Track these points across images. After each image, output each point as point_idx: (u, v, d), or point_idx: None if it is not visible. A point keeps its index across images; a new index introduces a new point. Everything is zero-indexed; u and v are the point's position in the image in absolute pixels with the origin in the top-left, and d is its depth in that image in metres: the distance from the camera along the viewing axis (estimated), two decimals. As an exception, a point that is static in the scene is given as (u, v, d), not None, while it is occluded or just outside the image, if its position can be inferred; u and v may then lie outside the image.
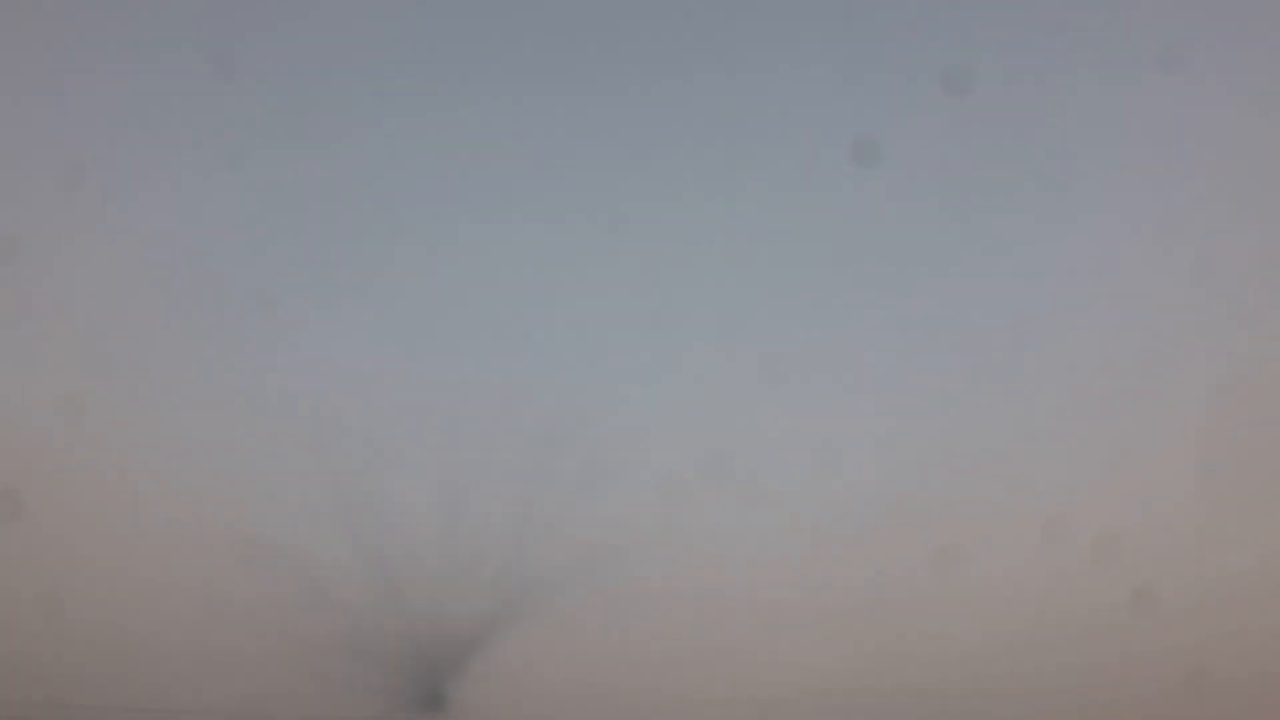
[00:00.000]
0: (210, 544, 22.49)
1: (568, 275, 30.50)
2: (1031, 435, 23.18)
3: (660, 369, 27.82)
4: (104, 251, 27.42)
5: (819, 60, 30.33)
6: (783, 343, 26.32)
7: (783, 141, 29.12)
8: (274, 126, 31.91)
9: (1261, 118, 24.14)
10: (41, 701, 20.48)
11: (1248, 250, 23.41)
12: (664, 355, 28.14)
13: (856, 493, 22.05)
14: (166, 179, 30.41)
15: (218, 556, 22.04)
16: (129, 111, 29.61)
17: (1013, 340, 24.27)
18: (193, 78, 30.60)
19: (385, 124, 32.60)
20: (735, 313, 29.05)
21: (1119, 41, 25.66)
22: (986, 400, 23.99)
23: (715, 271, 29.62)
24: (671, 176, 32.24)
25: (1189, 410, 21.55)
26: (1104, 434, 22.74)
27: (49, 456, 22.53)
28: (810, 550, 21.59)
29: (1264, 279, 23.34)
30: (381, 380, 27.59)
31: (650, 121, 31.76)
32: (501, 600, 20.58)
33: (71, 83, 29.14)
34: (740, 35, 32.22)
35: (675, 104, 32.26)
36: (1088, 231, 24.88)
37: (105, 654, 20.79)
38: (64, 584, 20.47)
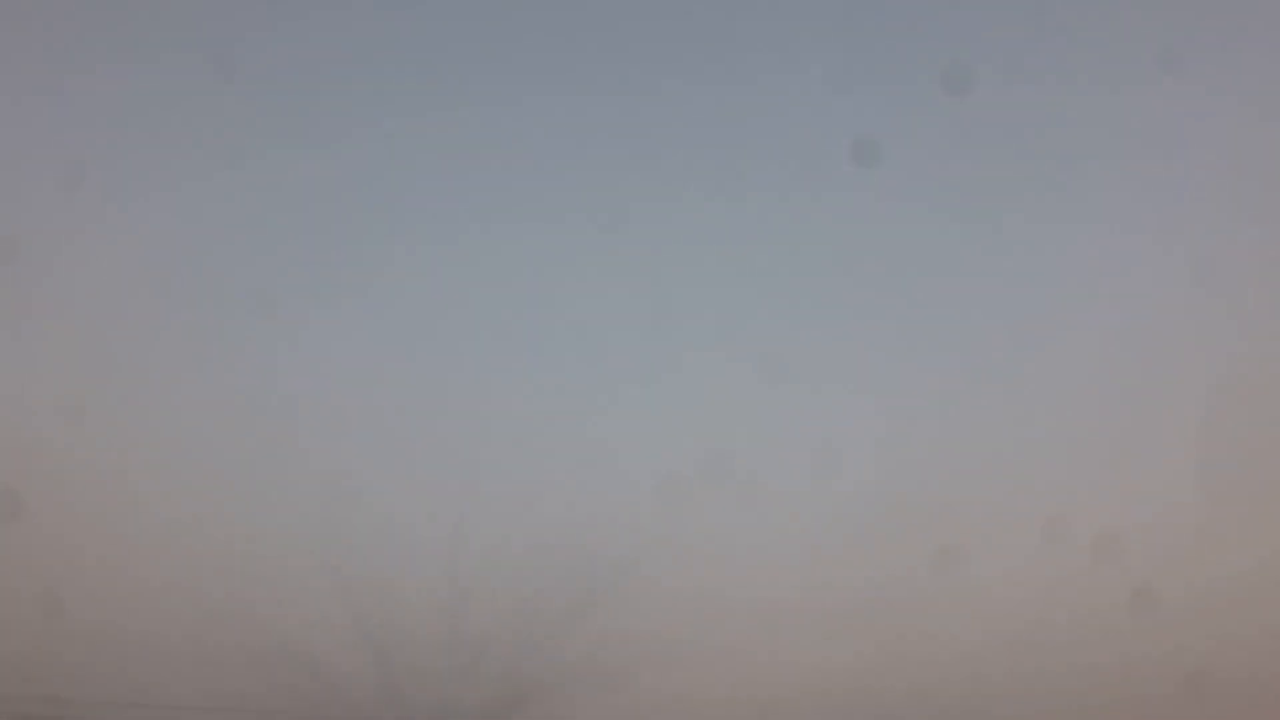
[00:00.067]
0: (210, 544, 22.48)
1: (568, 275, 30.46)
2: (1031, 435, 23.17)
3: (660, 369, 27.78)
4: (104, 251, 27.42)
5: (819, 60, 30.29)
6: (783, 343, 26.30)
7: (783, 141, 29.09)
8: (274, 126, 31.86)
9: (1261, 118, 24.13)
10: (41, 700, 20.48)
11: (1248, 250, 23.40)
12: (664, 355, 28.11)
13: (856, 493, 22.04)
14: (166, 179, 30.37)
15: (218, 556, 22.03)
16: (129, 111, 29.59)
17: (1013, 340, 24.26)
18: (193, 78, 30.55)
19: (385, 124, 32.55)
20: (735, 313, 29.00)
21: (1119, 42, 25.66)
22: (986, 400, 23.98)
23: (715, 272, 29.58)
24: (671, 176, 32.16)
25: (1189, 410, 21.55)
26: (1104, 434, 22.73)
27: (49, 456, 22.53)
28: (810, 550, 21.59)
29: (1264, 279, 23.33)
30: (381, 380, 27.58)
31: (650, 122, 31.73)
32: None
33: (71, 83, 29.13)
34: (740, 36, 32.18)
35: (675, 104, 32.21)
36: (1088, 232, 24.87)
37: (105, 653, 20.78)
38: (64, 584, 20.47)
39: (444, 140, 31.90)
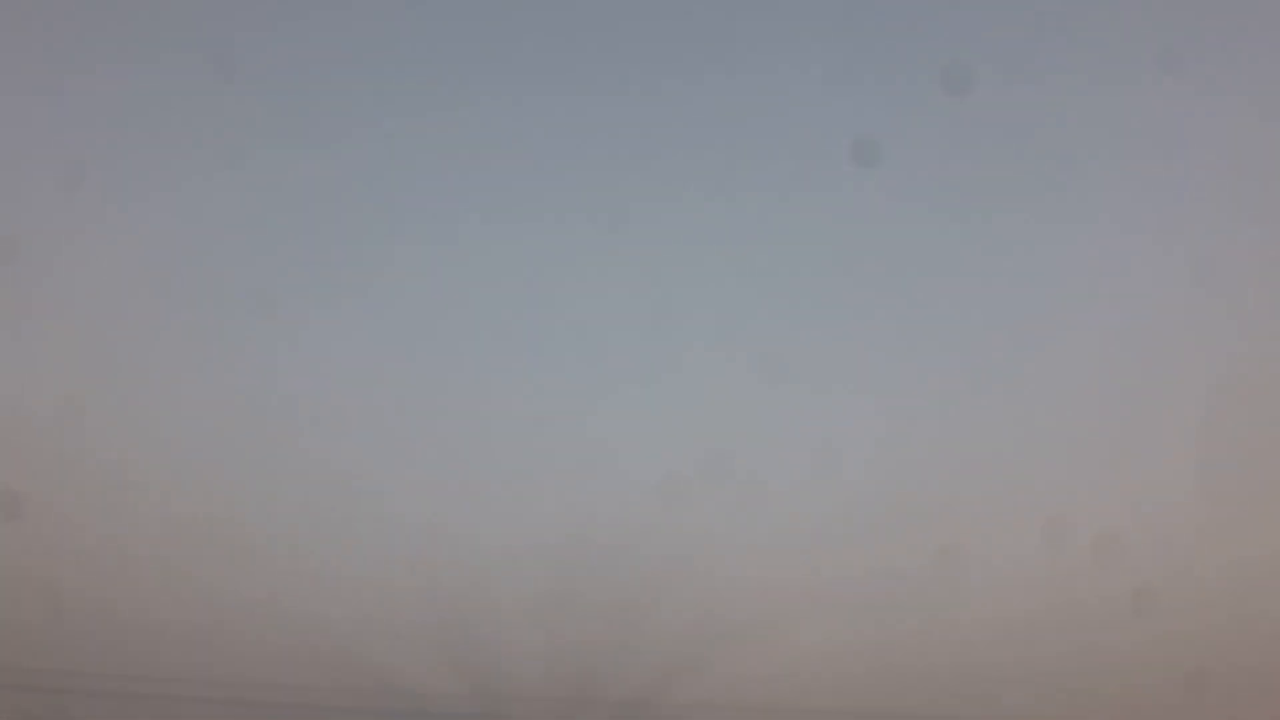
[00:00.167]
0: (210, 543, 22.47)
1: (568, 275, 30.42)
2: (1031, 435, 23.16)
3: (660, 369, 27.74)
4: (104, 251, 27.39)
5: (819, 60, 30.25)
6: (783, 343, 26.26)
7: (783, 141, 29.06)
8: (274, 127, 31.81)
9: (1261, 118, 24.13)
10: (42, 701, 20.46)
11: (1248, 250, 23.40)
12: (664, 355, 28.07)
13: (856, 493, 22.03)
14: (166, 179, 30.32)
15: (218, 555, 22.01)
16: (129, 111, 29.56)
17: (1013, 340, 24.25)
18: (193, 78, 30.50)
19: (385, 124, 32.52)
20: (735, 313, 28.96)
21: (1119, 41, 25.65)
22: (986, 400, 23.97)
23: (715, 271, 29.54)
24: (671, 176, 32.11)
25: (1189, 410, 21.54)
26: (1104, 434, 22.73)
27: (49, 456, 22.53)
28: (810, 550, 21.58)
29: (1264, 279, 23.32)
30: (381, 380, 27.56)
31: (650, 122, 31.69)
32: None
33: (71, 83, 29.10)
34: (740, 35, 32.13)
35: (675, 104, 32.17)
36: (1087, 232, 24.86)
37: (105, 652, 20.77)
38: (64, 583, 20.46)
39: (444, 140, 31.80)
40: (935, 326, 25.58)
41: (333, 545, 22.46)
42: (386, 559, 22.11)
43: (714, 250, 29.71)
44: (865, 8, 30.64)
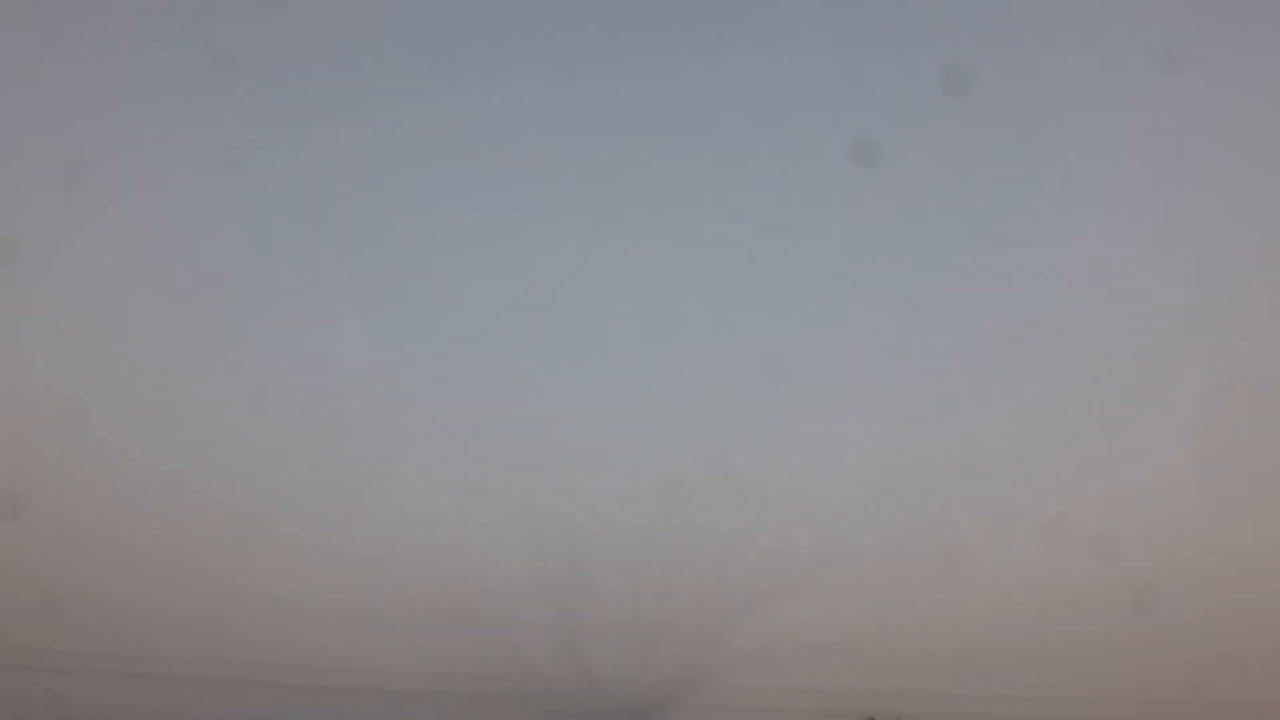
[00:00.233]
0: (210, 542, 22.44)
1: (568, 276, 30.40)
2: (1031, 435, 23.16)
3: (660, 369, 27.70)
4: (104, 251, 27.37)
5: (819, 60, 30.19)
6: (783, 343, 26.23)
7: (783, 141, 29.04)
8: (274, 127, 31.74)
9: (1261, 118, 24.12)
10: (41, 700, 20.46)
11: (1248, 250, 23.40)
12: (664, 355, 28.03)
13: (856, 493, 22.02)
14: (166, 179, 30.27)
15: (218, 554, 21.99)
16: (129, 111, 29.54)
17: (1013, 340, 24.24)
18: (193, 78, 30.43)
19: (386, 125, 32.48)
20: (735, 313, 28.92)
21: (1119, 41, 25.65)
22: (986, 400, 23.96)
23: (715, 271, 29.50)
24: (671, 177, 32.04)
25: (1189, 410, 21.54)
26: (1104, 434, 22.73)
27: (49, 456, 22.51)
28: (809, 550, 21.56)
29: (1264, 279, 23.33)
30: (381, 380, 27.54)
31: (650, 122, 31.65)
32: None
33: (71, 83, 29.08)
34: (740, 35, 32.08)
35: (675, 104, 32.12)
36: (1087, 231, 24.84)
37: (104, 652, 20.77)
38: (64, 583, 20.45)
39: (445, 142, 31.76)
40: (935, 326, 25.53)
41: (341, 536, 22.45)
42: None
43: (714, 250, 29.56)
44: (865, 8, 30.51)
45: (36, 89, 29.20)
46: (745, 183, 29.52)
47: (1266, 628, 20.09)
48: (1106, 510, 21.30)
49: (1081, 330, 23.82)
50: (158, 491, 23.06)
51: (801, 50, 29.78)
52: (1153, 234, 23.89)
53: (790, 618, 21.01)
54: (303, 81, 31.80)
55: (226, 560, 22.12)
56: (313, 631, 21.50)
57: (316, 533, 22.90)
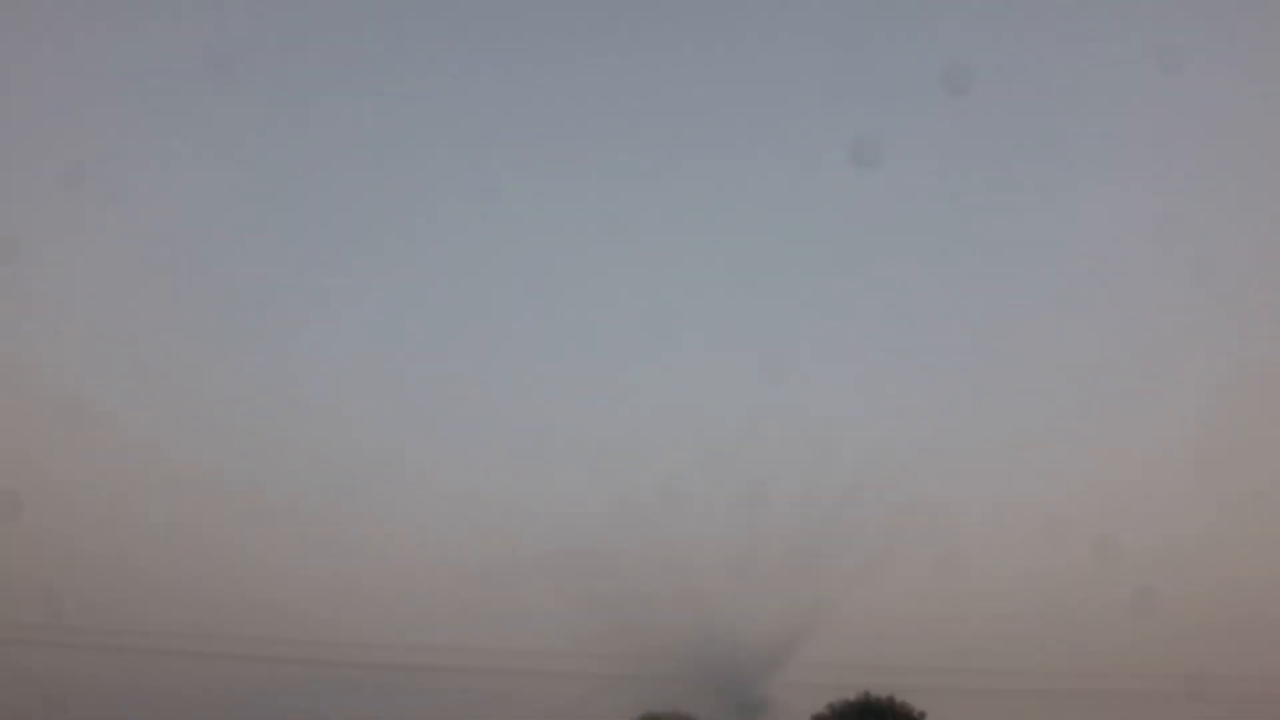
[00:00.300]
0: (210, 542, 22.43)
1: (569, 275, 30.39)
2: (1031, 435, 23.12)
3: (660, 368, 27.65)
4: (104, 251, 27.36)
5: (819, 59, 30.18)
6: (783, 343, 26.18)
7: (783, 141, 29.03)
8: (274, 128, 31.73)
9: (1262, 118, 24.12)
10: (41, 700, 20.41)
11: (1248, 250, 23.40)
12: (664, 355, 28.00)
13: (856, 493, 21.96)
14: (167, 179, 30.26)
15: (217, 555, 21.98)
16: (129, 111, 29.54)
17: (1012, 339, 24.20)
18: (193, 78, 30.40)
19: (385, 126, 32.48)
20: (735, 313, 28.89)
21: (1119, 41, 25.64)
22: (987, 400, 23.93)
23: (715, 271, 29.48)
24: (671, 177, 31.98)
25: (1189, 410, 21.52)
26: (1104, 434, 22.70)
27: (49, 456, 22.49)
28: (810, 550, 21.51)
29: (1264, 279, 23.32)
30: (382, 380, 27.53)
31: (650, 123, 31.66)
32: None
33: (71, 83, 29.09)
34: (740, 36, 32.07)
35: (675, 105, 32.09)
36: (1087, 231, 24.82)
37: (103, 651, 20.73)
38: (63, 582, 20.40)
39: (445, 141, 31.74)
40: (935, 326, 25.50)
41: (333, 540, 22.46)
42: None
43: (714, 250, 29.52)
44: (865, 8, 30.47)
45: (37, 89, 29.14)
46: (745, 182, 29.43)
47: (1268, 629, 20.04)
48: (1106, 510, 21.28)
49: (1081, 330, 23.79)
50: (155, 492, 23.01)
51: (802, 50, 29.69)
52: (1152, 234, 23.86)
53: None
54: (304, 84, 31.71)
55: (226, 560, 22.10)
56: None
57: (317, 532, 22.90)
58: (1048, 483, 22.43)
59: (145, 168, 29.35)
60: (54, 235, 26.44)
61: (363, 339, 29.10)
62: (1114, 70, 24.95)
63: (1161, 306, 23.66)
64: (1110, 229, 24.98)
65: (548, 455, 23.19)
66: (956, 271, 25.60)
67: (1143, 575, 20.30)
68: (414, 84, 30.88)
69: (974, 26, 26.96)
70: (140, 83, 29.40)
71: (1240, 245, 23.29)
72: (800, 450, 21.77)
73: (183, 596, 21.10)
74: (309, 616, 21.20)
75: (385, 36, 32.14)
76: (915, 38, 27.78)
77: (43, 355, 24.66)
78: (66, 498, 22.24)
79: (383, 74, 31.59)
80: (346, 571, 21.27)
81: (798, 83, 28.63)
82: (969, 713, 20.56)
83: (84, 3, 30.21)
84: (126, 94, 29.51)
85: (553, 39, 32.52)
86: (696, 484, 21.51)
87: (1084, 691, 20.08)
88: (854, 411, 23.52)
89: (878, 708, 21.99)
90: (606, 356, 27.80)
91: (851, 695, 21.50)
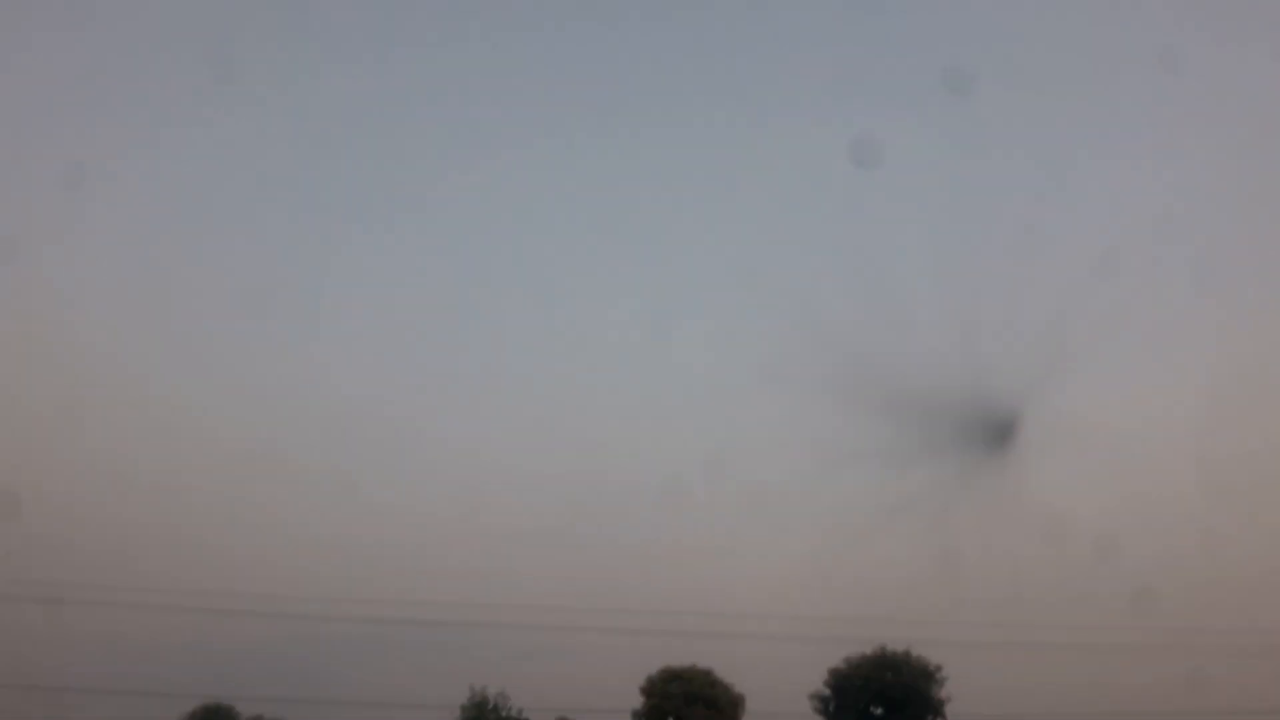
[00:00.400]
0: (210, 542, 22.39)
1: (569, 276, 30.33)
2: (1031, 435, 23.04)
3: (660, 368, 27.60)
4: (104, 251, 27.31)
5: (819, 60, 30.12)
6: (784, 343, 26.13)
7: (783, 141, 28.97)
8: (274, 128, 31.68)
9: (1261, 118, 24.08)
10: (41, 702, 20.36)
11: (1247, 250, 23.37)
12: (664, 355, 27.95)
13: (856, 492, 21.91)
14: (167, 178, 30.20)
15: (218, 554, 21.95)
16: (129, 111, 29.48)
17: (1012, 340, 24.16)
18: (193, 78, 30.35)
19: (385, 125, 32.41)
20: (735, 313, 28.81)
21: (1119, 41, 25.60)
22: (986, 399, 23.85)
23: (715, 271, 29.42)
24: (671, 177, 31.95)
25: (1189, 410, 21.47)
26: (1104, 434, 22.64)
27: (49, 456, 22.46)
28: (810, 550, 21.47)
29: (1264, 279, 23.28)
30: (382, 379, 27.48)
31: (650, 123, 31.60)
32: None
33: (71, 82, 29.03)
34: (741, 35, 32.00)
35: (675, 105, 32.02)
36: (1087, 231, 24.78)
37: (102, 651, 20.69)
38: (63, 582, 20.37)
39: (445, 141, 31.70)
40: (935, 326, 25.46)
41: (333, 538, 22.51)
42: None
43: (714, 250, 29.46)
44: (865, 8, 30.43)
45: (37, 89, 29.07)
46: (745, 182, 29.38)
47: (1268, 629, 19.96)
48: (1106, 510, 21.22)
49: (1081, 330, 23.72)
50: (155, 492, 22.97)
51: (802, 50, 29.65)
52: (1152, 234, 23.82)
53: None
54: (304, 84, 31.65)
55: (226, 560, 22.10)
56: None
57: (317, 532, 22.89)
58: (1048, 482, 22.30)
59: (145, 168, 29.19)
60: (54, 235, 26.37)
61: (368, 341, 28.99)
62: (1114, 71, 24.89)
63: (1161, 306, 23.55)
64: (1110, 227, 24.90)
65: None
66: (956, 271, 25.50)
67: (1143, 575, 20.18)
68: (417, 88, 30.80)
69: (974, 26, 26.87)
70: (141, 82, 29.24)
71: (1240, 245, 23.22)
72: (800, 450, 21.73)
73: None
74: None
75: (388, 40, 32.03)
76: (915, 38, 27.71)
77: (43, 355, 24.58)
78: (66, 502, 22.20)
79: (388, 78, 31.48)
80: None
81: (797, 82, 28.53)
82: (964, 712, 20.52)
83: (85, 4, 30.05)
84: (127, 94, 29.36)
85: (555, 42, 32.35)
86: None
87: (1083, 689, 20.01)
88: (854, 411, 23.57)
89: (894, 661, 22.14)
90: (605, 359, 27.70)
91: (868, 649, 21.61)
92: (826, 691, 23.00)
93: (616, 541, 23.11)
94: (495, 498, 24.28)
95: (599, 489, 22.90)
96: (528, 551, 23.18)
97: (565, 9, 35.23)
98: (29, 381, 24.34)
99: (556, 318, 29.66)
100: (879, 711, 22.35)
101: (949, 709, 22.17)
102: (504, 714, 22.74)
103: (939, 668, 21.84)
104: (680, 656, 22.48)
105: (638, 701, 22.56)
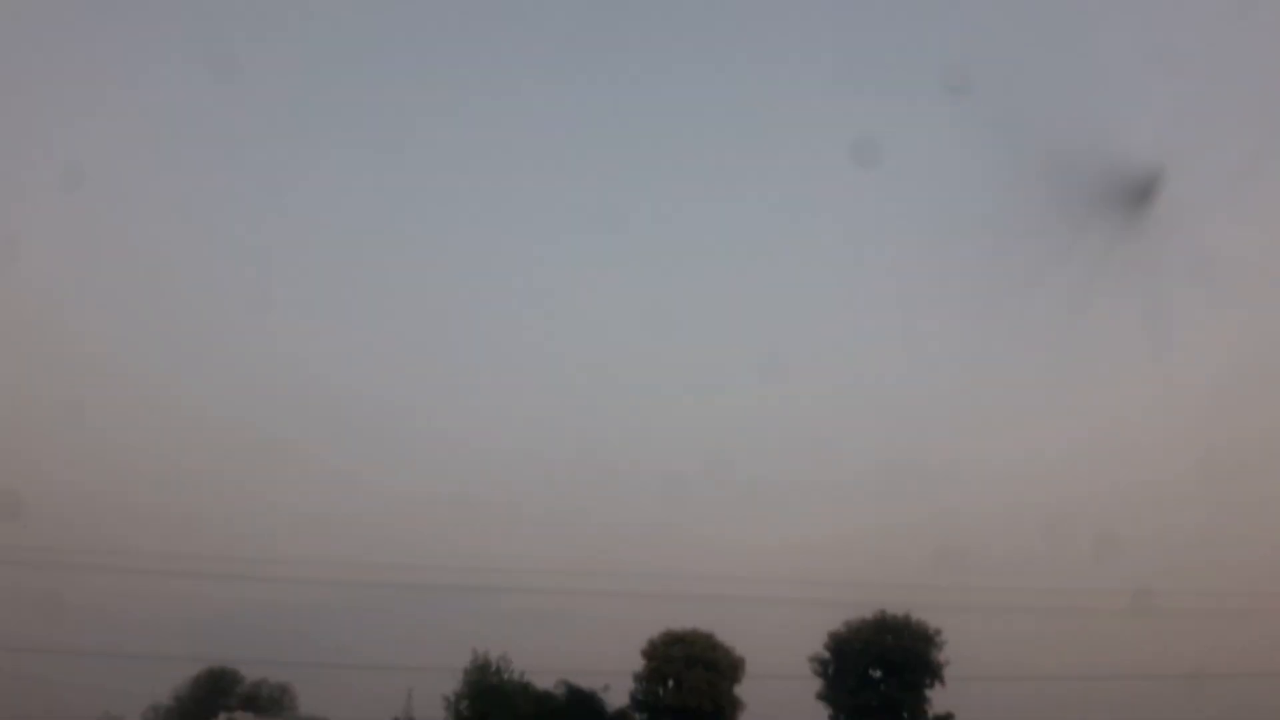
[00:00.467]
0: (210, 542, 22.50)
1: (569, 276, 30.40)
2: (1031, 435, 23.16)
3: (660, 369, 27.68)
4: (104, 251, 27.37)
5: (819, 60, 30.16)
6: (783, 343, 26.21)
7: (783, 141, 29.01)
8: (274, 127, 31.76)
9: (1260, 118, 24.16)
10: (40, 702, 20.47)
11: (1247, 250, 23.41)
12: (664, 355, 28.01)
13: (857, 492, 22.04)
14: (167, 179, 30.28)
15: (217, 555, 22.06)
16: (129, 111, 29.51)
17: (1012, 339, 24.26)
18: (193, 78, 30.42)
19: (385, 125, 32.47)
20: (735, 312, 28.89)
21: (1117, 42, 25.65)
22: (987, 400, 23.95)
23: (715, 271, 29.45)
24: (672, 177, 32.00)
25: (1189, 411, 21.56)
26: (1103, 434, 22.74)
27: (49, 456, 22.53)
28: (810, 550, 21.59)
29: (1264, 279, 23.34)
30: (382, 379, 27.58)
31: (650, 123, 31.67)
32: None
33: (71, 83, 29.08)
34: (741, 36, 32.07)
35: (675, 106, 32.09)
36: (1086, 231, 24.88)
37: (101, 652, 20.80)
38: (63, 582, 20.49)
39: (445, 141, 31.78)
40: (936, 326, 25.55)
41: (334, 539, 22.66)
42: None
43: (714, 250, 29.58)
44: (865, 8, 30.49)
45: (37, 89, 29.19)
46: (745, 183, 29.52)
47: (1268, 629, 20.09)
48: (1106, 510, 21.33)
49: (1080, 329, 23.87)
50: (155, 492, 23.08)
51: (802, 50, 29.76)
52: (1151, 233, 23.98)
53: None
54: (304, 84, 31.76)
55: (226, 559, 22.24)
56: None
57: (317, 531, 23.00)
58: (1048, 483, 22.50)
59: (145, 168, 29.30)
60: (54, 235, 26.49)
61: (369, 340, 29.11)
62: (1112, 71, 24.95)
63: (1160, 306, 23.71)
64: (1110, 227, 25.09)
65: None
66: (955, 271, 25.63)
67: (1143, 575, 20.25)
68: (417, 89, 30.91)
69: (974, 26, 26.96)
70: (141, 83, 29.37)
71: (1239, 245, 23.30)
72: (800, 450, 21.75)
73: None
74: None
75: (387, 44, 32.10)
76: (915, 38, 27.82)
77: (43, 356, 24.73)
78: (66, 502, 22.33)
79: (387, 78, 31.52)
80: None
81: (797, 82, 28.65)
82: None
83: (85, 4, 30.20)
84: (127, 94, 29.51)
85: (554, 41, 32.47)
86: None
87: (1083, 689, 20.07)
88: (854, 410, 23.60)
89: (894, 624, 22.25)
90: (604, 358, 27.84)
91: (868, 613, 21.74)
92: (826, 655, 23.13)
93: (618, 505, 23.49)
94: (494, 468, 24.85)
95: (601, 451, 23.34)
96: (530, 518, 23.78)
97: (565, 8, 35.26)
98: (29, 377, 24.41)
99: (556, 318, 29.68)
100: (878, 674, 22.47)
101: (948, 672, 22.23)
102: (506, 677, 23.06)
103: (938, 631, 21.94)
104: (681, 620, 22.79)
105: (639, 664, 22.87)
